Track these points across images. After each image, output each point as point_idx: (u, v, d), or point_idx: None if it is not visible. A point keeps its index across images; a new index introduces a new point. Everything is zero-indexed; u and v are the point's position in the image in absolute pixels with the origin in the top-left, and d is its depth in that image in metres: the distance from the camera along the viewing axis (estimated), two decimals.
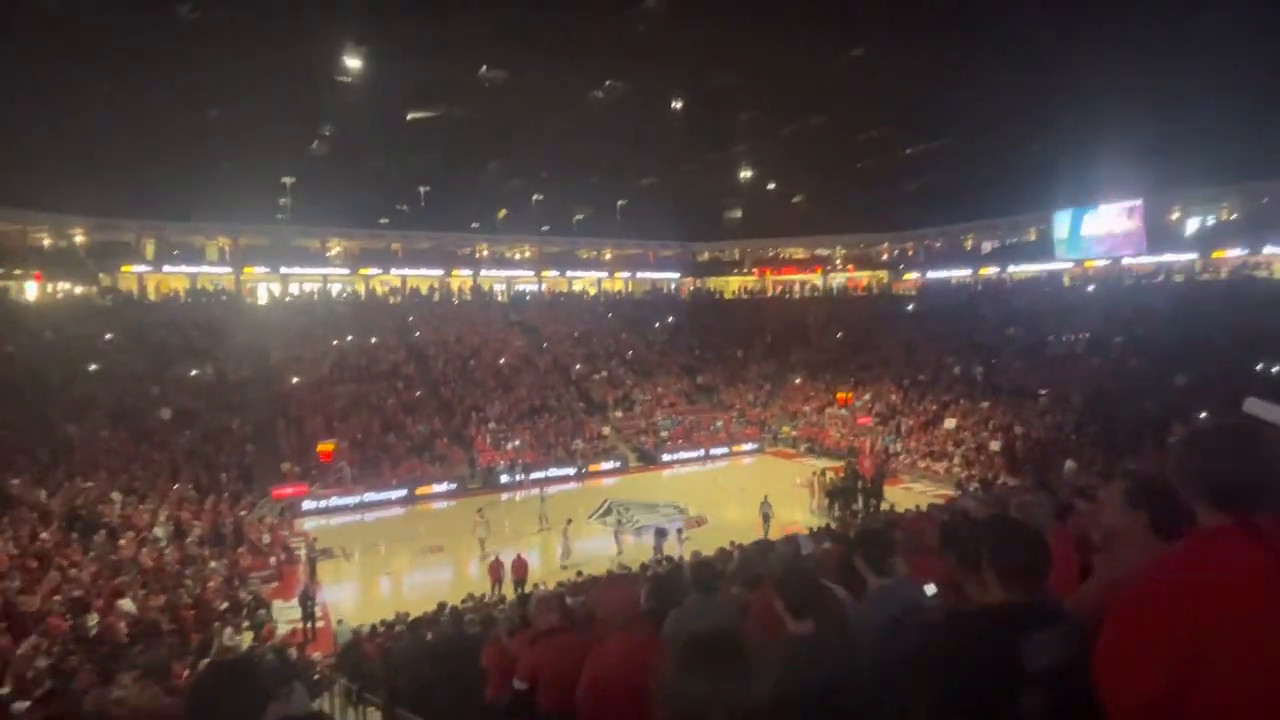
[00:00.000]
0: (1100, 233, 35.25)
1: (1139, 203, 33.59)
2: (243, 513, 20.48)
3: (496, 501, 24.55)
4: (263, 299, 38.21)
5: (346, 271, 41.37)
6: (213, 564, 16.18)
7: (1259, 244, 31.12)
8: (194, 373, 28.39)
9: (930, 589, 2.82)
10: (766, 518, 19.50)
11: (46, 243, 34.48)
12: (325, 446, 24.50)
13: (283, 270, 39.21)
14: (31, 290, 32.54)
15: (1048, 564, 1.95)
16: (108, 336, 29.04)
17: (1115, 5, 26.90)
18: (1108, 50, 29.37)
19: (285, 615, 14.98)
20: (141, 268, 36.60)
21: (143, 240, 37.16)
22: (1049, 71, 33.57)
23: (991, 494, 11.70)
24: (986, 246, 44.34)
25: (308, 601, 14.60)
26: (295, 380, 29.53)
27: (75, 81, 32.93)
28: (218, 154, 37.91)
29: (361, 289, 41.28)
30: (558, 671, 3.75)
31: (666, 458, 29.93)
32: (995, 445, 24.48)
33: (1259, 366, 22.53)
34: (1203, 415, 19.44)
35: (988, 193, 41.27)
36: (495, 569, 16.14)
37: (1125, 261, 35.09)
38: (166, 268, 37.25)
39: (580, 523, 21.74)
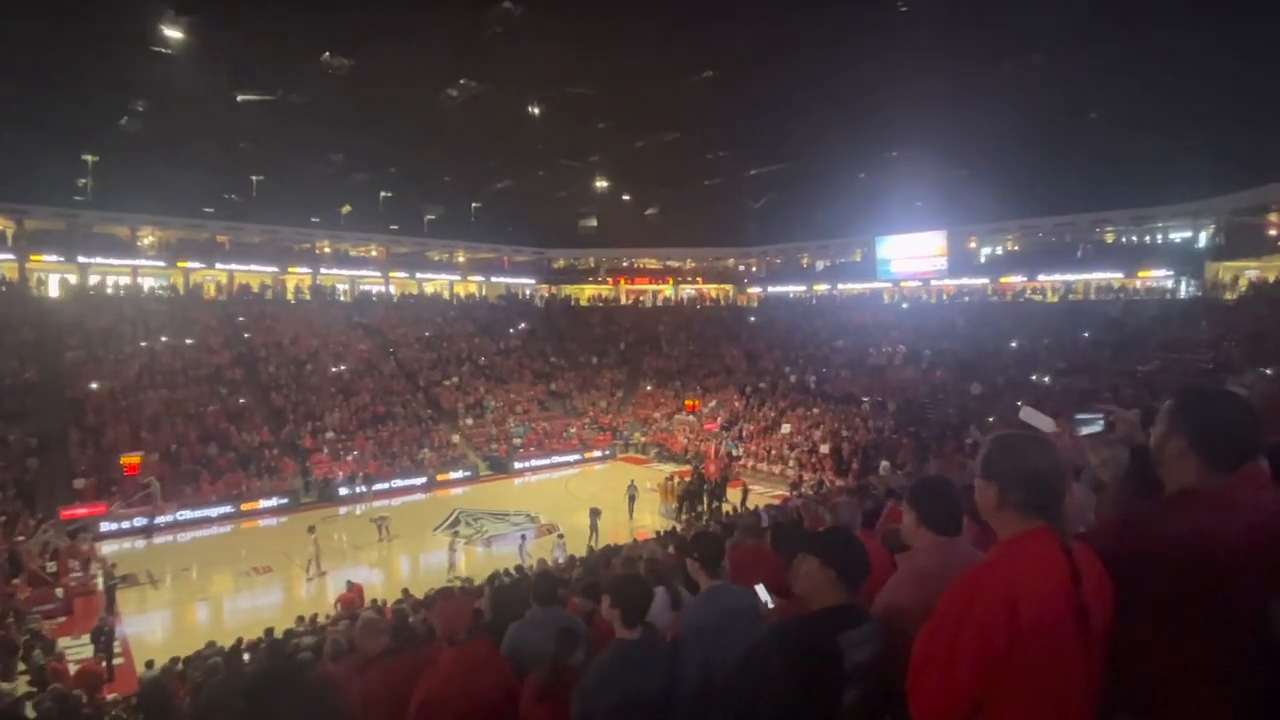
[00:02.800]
0: (913, 257, 39.57)
1: (944, 233, 38.18)
2: (20, 538, 17.61)
3: (334, 516, 22.97)
4: (54, 291, 33.17)
5: (162, 264, 36.85)
6: None
7: (1034, 272, 36.29)
8: None
9: (762, 590, 2.96)
10: (594, 525, 19.74)
11: None
12: (130, 459, 21.71)
13: (81, 259, 34.19)
14: None
15: (868, 569, 2.15)
16: None
17: (927, 66, 30.61)
18: (920, 97, 33.04)
19: (77, 654, 13.04)
20: None
21: None
22: (873, 108, 37.07)
23: (819, 495, 12.62)
24: (820, 265, 48.00)
25: (103, 636, 12.81)
26: (94, 385, 25.88)
27: None
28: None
29: (180, 283, 37.04)
30: (390, 697, 3.57)
31: (518, 465, 29.48)
32: (824, 448, 26.48)
33: (1034, 376, 26.14)
34: (990, 420, 22.24)
35: (821, 215, 44.74)
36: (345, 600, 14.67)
37: (933, 283, 39.49)
38: None
39: (425, 536, 20.96)
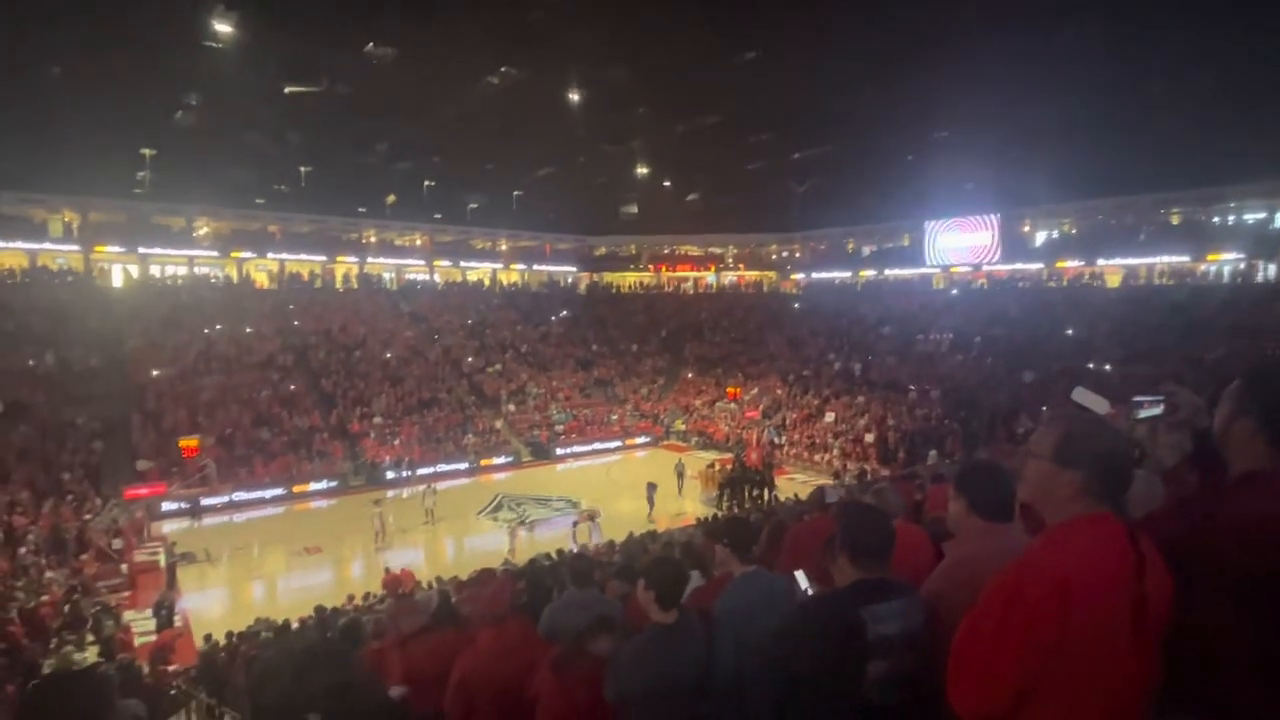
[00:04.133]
0: (963, 242, 38.40)
1: (996, 216, 36.91)
2: (87, 516, 18.55)
3: (383, 498, 23.59)
4: (117, 281, 34.68)
5: (216, 254, 38.20)
6: (49, 574, 14.56)
7: (1093, 257, 34.83)
8: (31, 362, 25.38)
9: (802, 577, 2.93)
10: (651, 500, 20.92)
11: None
12: (188, 442, 22.62)
13: (141, 250, 35.67)
14: None
15: (891, 543, 2.09)
16: None
17: (977, 42, 29.65)
18: (970, 75, 32.03)
19: (141, 626, 13.72)
20: None
21: None
22: (924, 90, 36.07)
23: (861, 484, 12.40)
24: (866, 250, 47.03)
25: (164, 610, 13.43)
26: (154, 372, 27.03)
27: None
28: (65, 118, 33.85)
29: (234, 273, 38.33)
30: (431, 673, 3.64)
31: (560, 451, 29.76)
32: (869, 437, 26.04)
33: (1090, 365, 25.20)
34: (1044, 409, 21.52)
35: (867, 199, 43.86)
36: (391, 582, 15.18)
37: (985, 268, 38.29)
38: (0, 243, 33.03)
39: (469, 519, 21.40)
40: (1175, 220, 34.10)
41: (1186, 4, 27.92)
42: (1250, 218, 31.70)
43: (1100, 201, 35.68)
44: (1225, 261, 30.78)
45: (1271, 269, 28.83)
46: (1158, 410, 3.08)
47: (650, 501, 21.01)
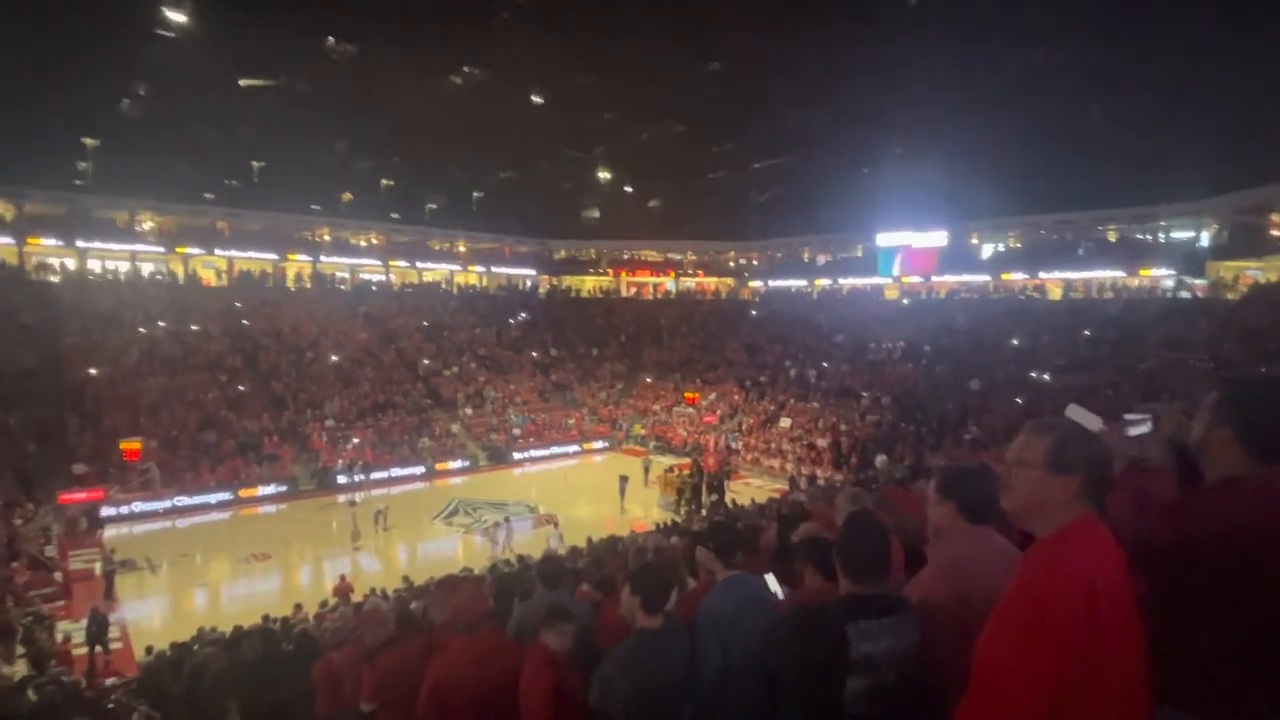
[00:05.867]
0: (914, 253, 39.50)
1: (944, 230, 38.13)
2: (18, 521, 17.57)
3: (334, 503, 22.96)
4: (53, 276, 33.00)
5: (161, 250, 36.70)
6: None
7: (1036, 270, 36.22)
8: None
9: (772, 580, 2.95)
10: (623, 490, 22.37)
11: None
12: (130, 445, 21.65)
13: (80, 244, 34.03)
14: None
15: (888, 557, 2.10)
16: None
17: (931, 60, 30.62)
18: (923, 92, 33.00)
19: (76, 637, 13.02)
20: None
21: None
22: (879, 105, 37.01)
23: (818, 488, 12.58)
24: (821, 259, 47.91)
25: (98, 621, 12.76)
26: (93, 371, 25.79)
27: None
28: None
29: (180, 270, 36.89)
30: (403, 685, 3.54)
31: (518, 456, 29.47)
32: (822, 442, 26.46)
33: (1033, 374, 26.12)
34: (986, 418, 22.22)
35: (823, 210, 44.71)
36: (343, 588, 14.73)
37: (934, 280, 39.41)
38: None
39: (424, 525, 21.04)
40: (1112, 237, 35.72)
41: (1128, 28, 29.34)
42: (1180, 236, 33.43)
43: (1043, 217, 37.19)
44: (1158, 276, 32.29)
45: (1199, 284, 30.38)
46: (1146, 427, 3.22)
47: (622, 493, 22.33)
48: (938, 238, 38.59)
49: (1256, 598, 1.46)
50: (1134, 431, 3.19)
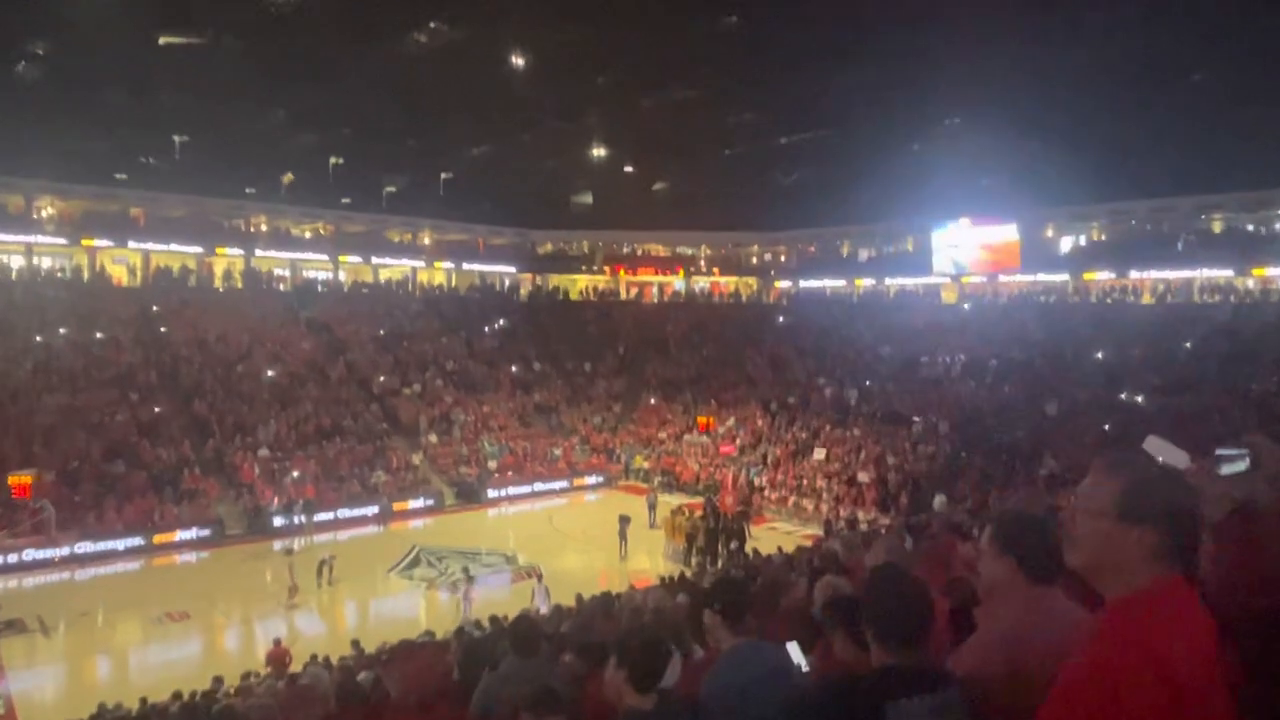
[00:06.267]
0: (977, 247, 39.49)
1: (1014, 220, 38.15)
2: None
3: (268, 551, 22.93)
4: None
5: (63, 241, 36.99)
6: None
7: (1125, 268, 36.26)
8: None
9: (795, 650, 2.94)
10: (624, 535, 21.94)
11: None
12: (20, 478, 21.69)
13: None
14: None
15: (929, 621, 2.09)
16: None
17: (996, 18, 30.71)
18: (988, 56, 33.16)
19: None
20: None
21: None
22: (934, 71, 37.17)
23: (857, 534, 12.56)
24: (864, 255, 48.00)
25: None
26: None
27: None
28: None
29: (85, 265, 37.15)
30: None
31: (492, 494, 29.46)
32: (865, 478, 26.41)
33: (1122, 395, 26.08)
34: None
35: (866, 195, 44.67)
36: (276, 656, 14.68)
37: (1002, 279, 39.47)
38: None
39: (378, 578, 20.99)
40: (1218, 228, 35.76)
41: None
42: None
43: (1134, 205, 37.31)
44: (1275, 276, 32.25)
45: None
46: (1243, 465, 3.20)
47: (623, 537, 21.83)
48: (1006, 230, 38.59)
49: None
50: (1228, 469, 3.19)
